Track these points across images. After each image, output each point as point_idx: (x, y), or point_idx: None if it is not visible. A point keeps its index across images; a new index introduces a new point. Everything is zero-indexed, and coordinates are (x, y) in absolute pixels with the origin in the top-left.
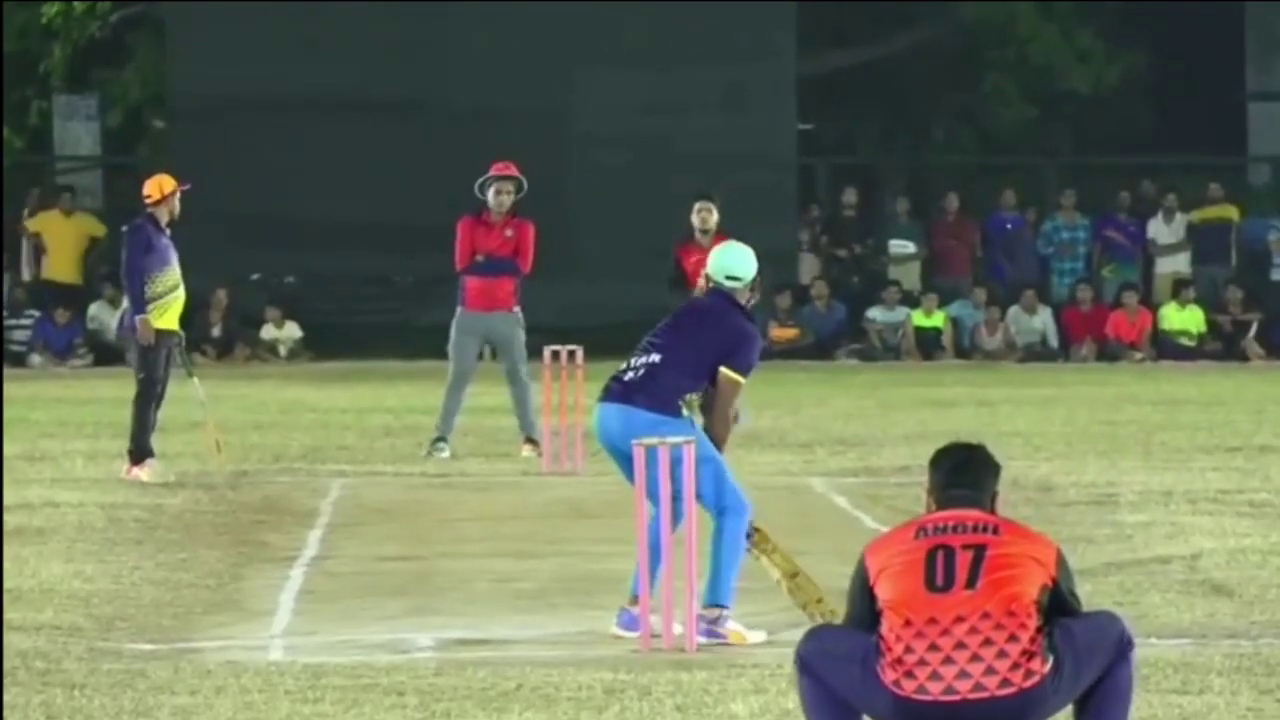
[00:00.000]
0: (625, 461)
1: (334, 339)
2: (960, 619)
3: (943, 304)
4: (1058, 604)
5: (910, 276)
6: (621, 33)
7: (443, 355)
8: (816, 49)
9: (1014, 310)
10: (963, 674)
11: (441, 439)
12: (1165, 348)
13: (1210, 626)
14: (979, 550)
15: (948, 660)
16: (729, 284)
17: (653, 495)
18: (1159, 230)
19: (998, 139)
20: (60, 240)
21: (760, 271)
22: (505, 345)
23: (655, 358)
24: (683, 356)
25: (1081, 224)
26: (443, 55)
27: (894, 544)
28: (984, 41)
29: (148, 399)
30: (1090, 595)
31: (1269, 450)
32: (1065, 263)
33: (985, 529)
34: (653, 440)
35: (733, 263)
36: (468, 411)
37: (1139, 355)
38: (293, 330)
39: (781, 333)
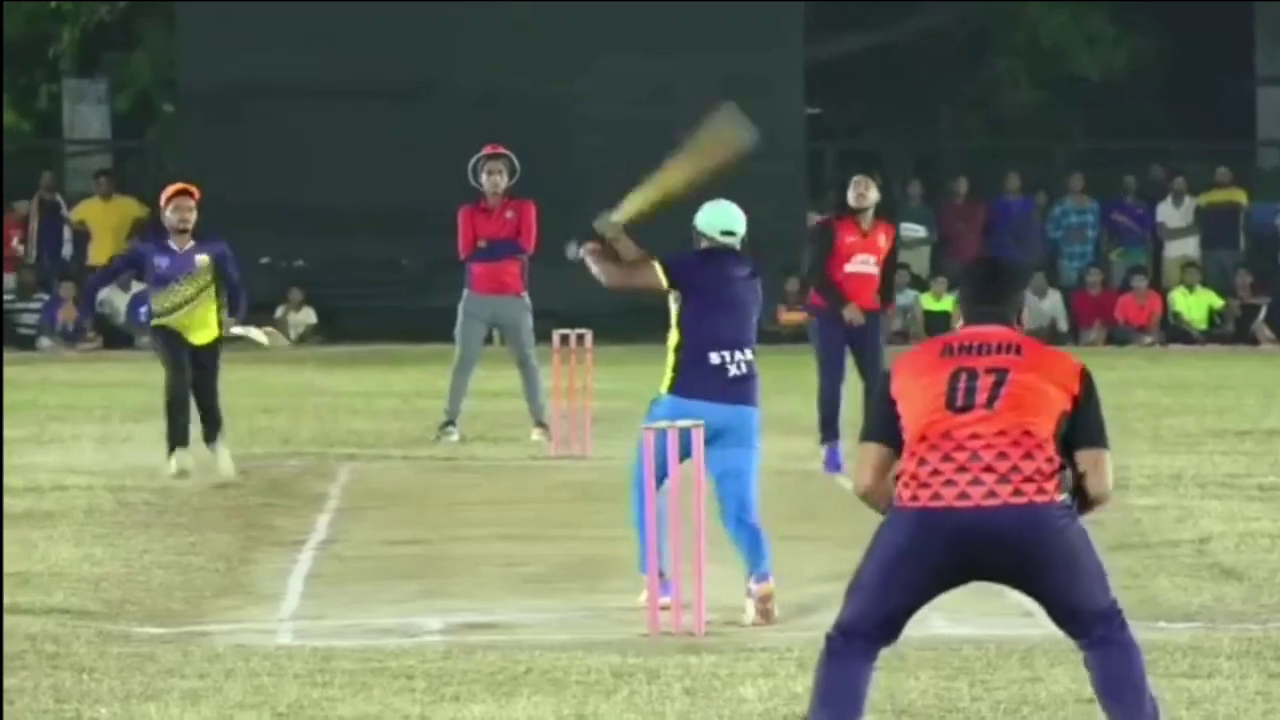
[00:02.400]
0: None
1: (343, 323)
2: (976, 435)
3: (952, 288)
4: (1080, 426)
5: (920, 260)
6: (629, 17)
7: (451, 339)
8: (825, 34)
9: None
10: (976, 481)
11: (450, 423)
12: (1174, 332)
13: (1219, 610)
14: (1001, 374)
15: (962, 469)
16: (725, 239)
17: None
18: (1168, 214)
19: (1007, 123)
20: (104, 226)
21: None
22: (513, 330)
23: (749, 353)
24: (753, 335)
25: (1090, 208)
26: (451, 41)
27: (920, 360)
28: (993, 25)
29: (168, 393)
30: None
31: (1278, 434)
32: (1074, 246)
33: (1009, 349)
34: (663, 424)
35: (726, 219)
36: (476, 395)
37: (1148, 339)
38: (308, 315)
39: (790, 316)
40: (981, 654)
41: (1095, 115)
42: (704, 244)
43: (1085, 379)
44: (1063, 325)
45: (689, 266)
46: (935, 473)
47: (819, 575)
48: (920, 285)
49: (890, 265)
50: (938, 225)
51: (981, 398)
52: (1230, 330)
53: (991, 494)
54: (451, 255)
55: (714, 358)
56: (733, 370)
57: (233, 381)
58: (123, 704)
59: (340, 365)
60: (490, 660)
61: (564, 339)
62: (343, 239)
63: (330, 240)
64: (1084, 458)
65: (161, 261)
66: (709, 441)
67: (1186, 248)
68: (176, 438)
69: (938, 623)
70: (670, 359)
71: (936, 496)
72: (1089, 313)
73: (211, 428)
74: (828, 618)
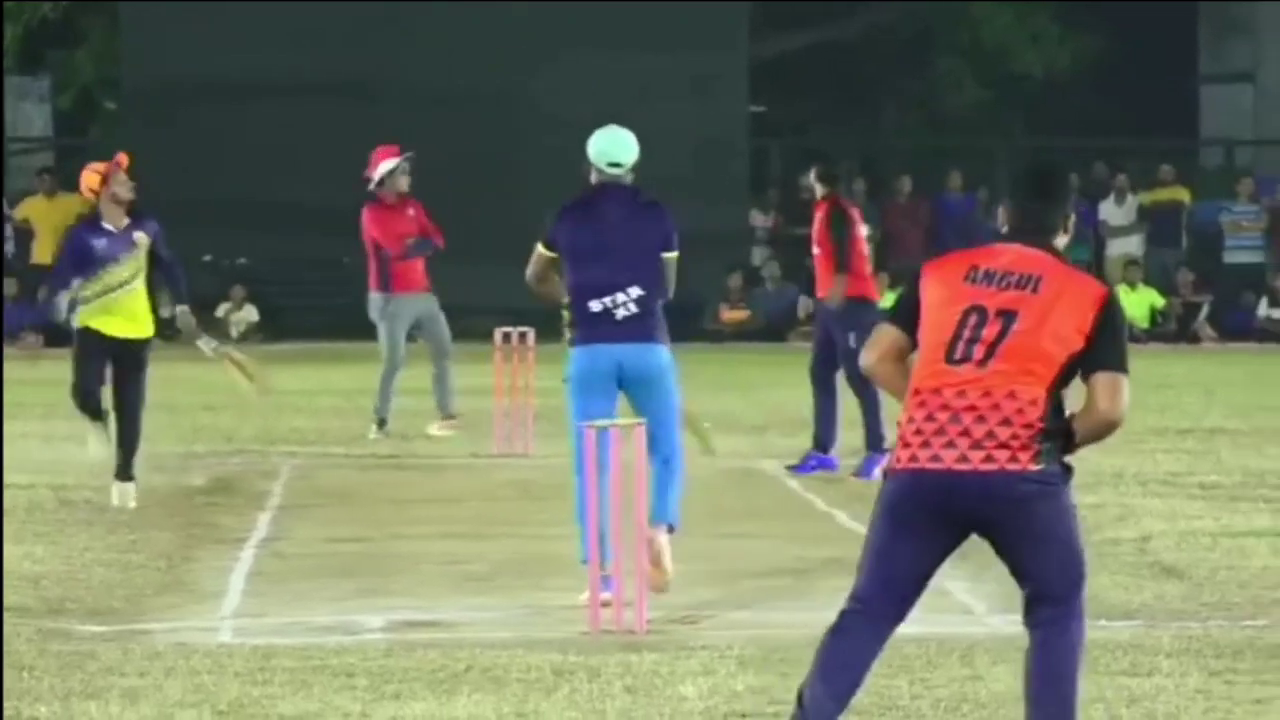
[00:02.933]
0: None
1: (285, 321)
2: (962, 393)
3: (893, 285)
4: (1093, 352)
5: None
6: (576, 17)
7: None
8: (770, 32)
9: None
10: (950, 444)
11: (384, 422)
12: None
13: (1159, 608)
14: (1009, 318)
15: (940, 431)
16: (612, 170)
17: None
18: (1111, 212)
19: (951, 121)
20: (46, 224)
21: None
22: (435, 324)
23: (637, 290)
24: (653, 278)
25: None
26: (397, 38)
27: (947, 276)
28: (937, 24)
29: (75, 399)
30: None
31: (1219, 433)
32: None
33: (1028, 281)
34: (604, 422)
35: (615, 149)
36: (419, 393)
37: None
38: (250, 313)
39: (731, 315)
40: (922, 652)
41: (1039, 113)
42: (593, 175)
43: (1105, 308)
44: None
45: (560, 228)
46: (918, 432)
47: (760, 572)
48: None
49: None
50: (880, 223)
51: (979, 352)
52: (1172, 329)
53: (963, 459)
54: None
55: (594, 305)
56: (620, 313)
57: (175, 379)
58: (63, 702)
59: (282, 363)
60: (431, 658)
61: (505, 336)
62: (285, 237)
63: (273, 238)
64: (1096, 381)
65: (99, 243)
66: (622, 386)
67: (1129, 246)
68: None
69: None
70: (566, 316)
71: (914, 459)
72: None
73: (126, 451)
74: (768, 615)
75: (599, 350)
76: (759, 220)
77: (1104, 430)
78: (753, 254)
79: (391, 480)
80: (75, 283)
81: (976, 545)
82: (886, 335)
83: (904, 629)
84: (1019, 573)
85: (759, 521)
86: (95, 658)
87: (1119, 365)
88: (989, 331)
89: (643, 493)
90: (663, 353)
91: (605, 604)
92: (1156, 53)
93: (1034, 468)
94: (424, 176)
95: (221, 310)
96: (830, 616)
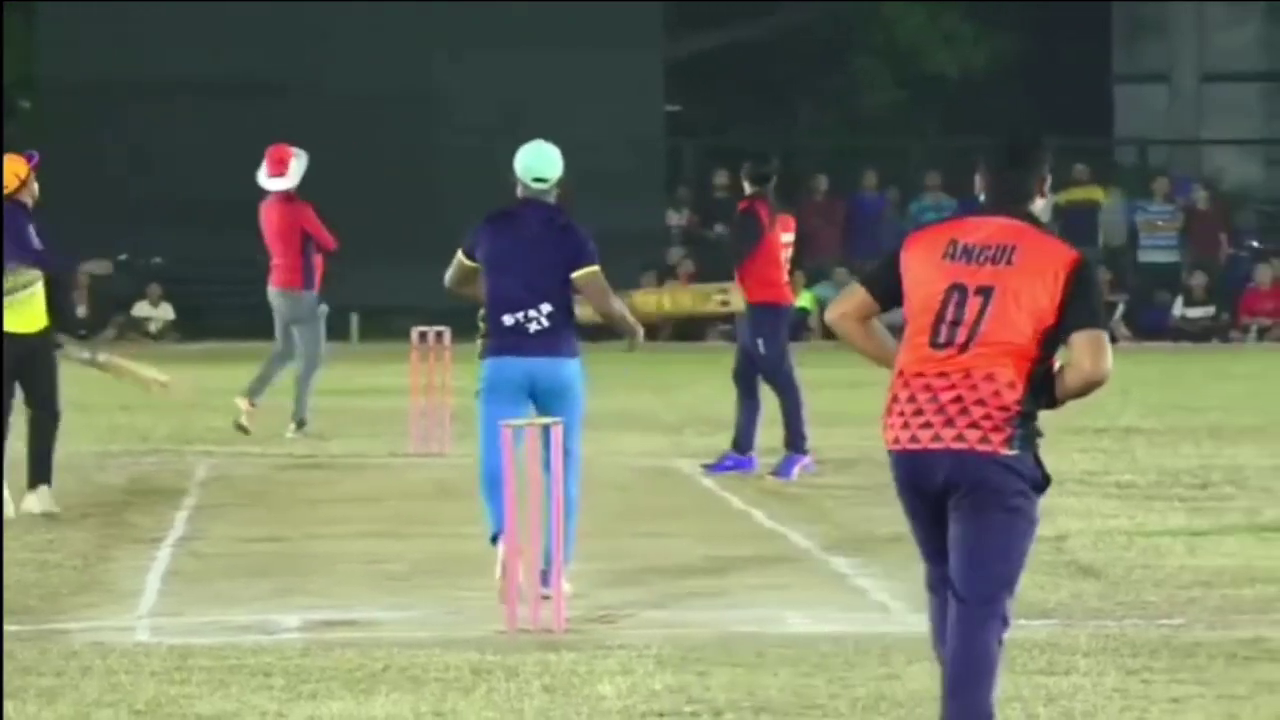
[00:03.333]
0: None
1: (201, 319)
2: (943, 374)
3: (809, 284)
4: (1069, 314)
5: None
6: (491, 15)
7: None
8: (685, 31)
9: None
10: (926, 424)
11: (304, 421)
12: None
13: (1076, 607)
14: (987, 295)
15: (919, 412)
16: (536, 185)
17: (497, 478)
18: None
19: (866, 121)
20: None
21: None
22: (314, 321)
23: (548, 307)
24: (563, 296)
25: (948, 204)
26: (311, 38)
27: (928, 252)
28: (852, 24)
29: None
30: None
31: (1135, 432)
32: None
33: (1004, 254)
34: (520, 421)
35: (540, 165)
36: (338, 393)
37: None
38: (166, 311)
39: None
40: (839, 651)
41: (954, 113)
42: (519, 189)
43: (1074, 271)
44: None
45: (479, 241)
46: (900, 413)
47: (678, 571)
48: None
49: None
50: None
51: (961, 335)
52: None
53: (937, 438)
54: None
55: (508, 319)
56: (533, 327)
57: (91, 378)
58: None
59: (199, 362)
60: (348, 657)
61: (422, 336)
62: (201, 236)
63: (189, 237)
64: (1077, 340)
65: (35, 238)
66: (532, 397)
67: None
68: None
69: (796, 620)
70: (481, 326)
71: (896, 440)
72: None
73: (40, 457)
74: (686, 614)
75: (511, 363)
76: (673, 219)
77: (1089, 388)
78: (668, 253)
79: (308, 480)
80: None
81: (890, 543)
82: (855, 295)
83: (821, 628)
84: (950, 555)
85: (676, 520)
86: (12, 657)
87: (1097, 323)
88: (969, 312)
89: (559, 493)
90: (572, 365)
91: (545, 598)
92: (1070, 53)
93: (1005, 451)
94: (336, 176)
95: (137, 309)
96: (748, 614)
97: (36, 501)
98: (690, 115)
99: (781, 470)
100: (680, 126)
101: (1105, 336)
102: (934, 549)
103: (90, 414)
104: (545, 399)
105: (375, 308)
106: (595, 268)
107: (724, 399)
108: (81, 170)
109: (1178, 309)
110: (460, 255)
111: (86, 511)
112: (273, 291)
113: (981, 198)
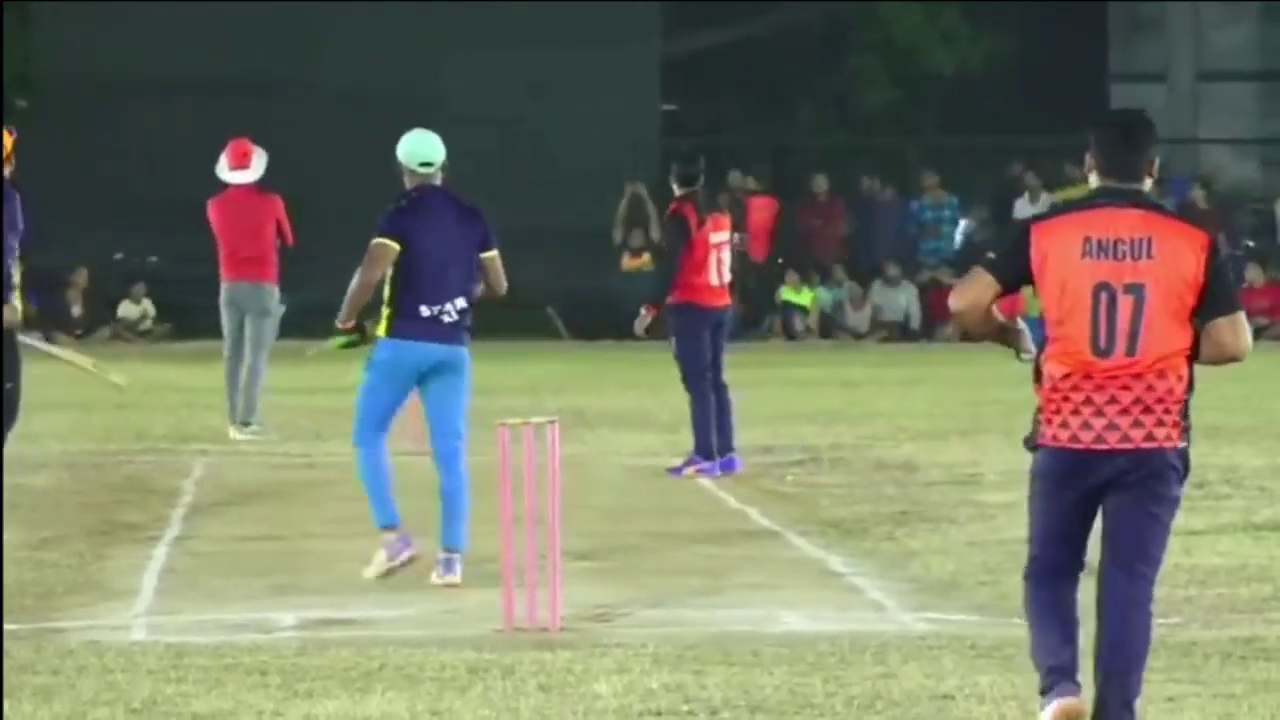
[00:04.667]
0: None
1: (197, 319)
2: (1114, 376)
3: (806, 282)
4: (1210, 299)
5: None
6: (488, 14)
7: (304, 335)
8: (682, 30)
9: (877, 285)
10: (1111, 425)
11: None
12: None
13: None
14: (1139, 295)
15: (1099, 413)
16: (424, 170)
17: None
18: (1024, 210)
19: (863, 120)
20: None
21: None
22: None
23: (463, 302)
24: (472, 284)
25: (948, 203)
26: (309, 37)
27: (1063, 246)
28: (848, 23)
29: None
30: (953, 574)
31: None
32: (930, 242)
33: (1142, 247)
34: (516, 421)
35: (425, 149)
36: (333, 391)
37: None
38: (148, 307)
39: (632, 262)
40: (835, 650)
41: (951, 112)
42: (405, 178)
43: (1210, 253)
44: (915, 322)
45: (403, 223)
46: (1075, 413)
47: (673, 570)
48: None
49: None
50: (797, 220)
51: (1122, 343)
52: None
53: (1125, 439)
54: (307, 250)
55: (425, 310)
56: (446, 319)
57: (85, 377)
58: None
59: (194, 361)
60: (344, 656)
61: None
62: (196, 235)
63: (184, 236)
64: (1219, 325)
65: (21, 226)
66: (426, 376)
67: None
68: None
69: (791, 619)
70: (386, 310)
71: (1075, 439)
72: (944, 309)
73: None
74: (682, 613)
75: (418, 348)
76: None
77: (1228, 362)
78: None
79: (304, 478)
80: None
81: (885, 542)
82: (980, 281)
83: (816, 627)
84: (1111, 538)
85: (671, 520)
86: (8, 656)
87: (1235, 305)
88: (1123, 314)
89: (556, 494)
90: (467, 354)
91: (411, 560)
92: (1068, 52)
93: (1179, 444)
94: (330, 174)
95: (124, 309)
96: (743, 613)
97: None
98: (687, 114)
99: (675, 468)
100: (676, 125)
101: (1243, 314)
102: (1065, 538)
103: (86, 412)
104: (437, 383)
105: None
106: (497, 250)
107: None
108: (77, 169)
109: None
110: (386, 241)
111: (82, 510)
112: (242, 285)
113: (1092, 180)
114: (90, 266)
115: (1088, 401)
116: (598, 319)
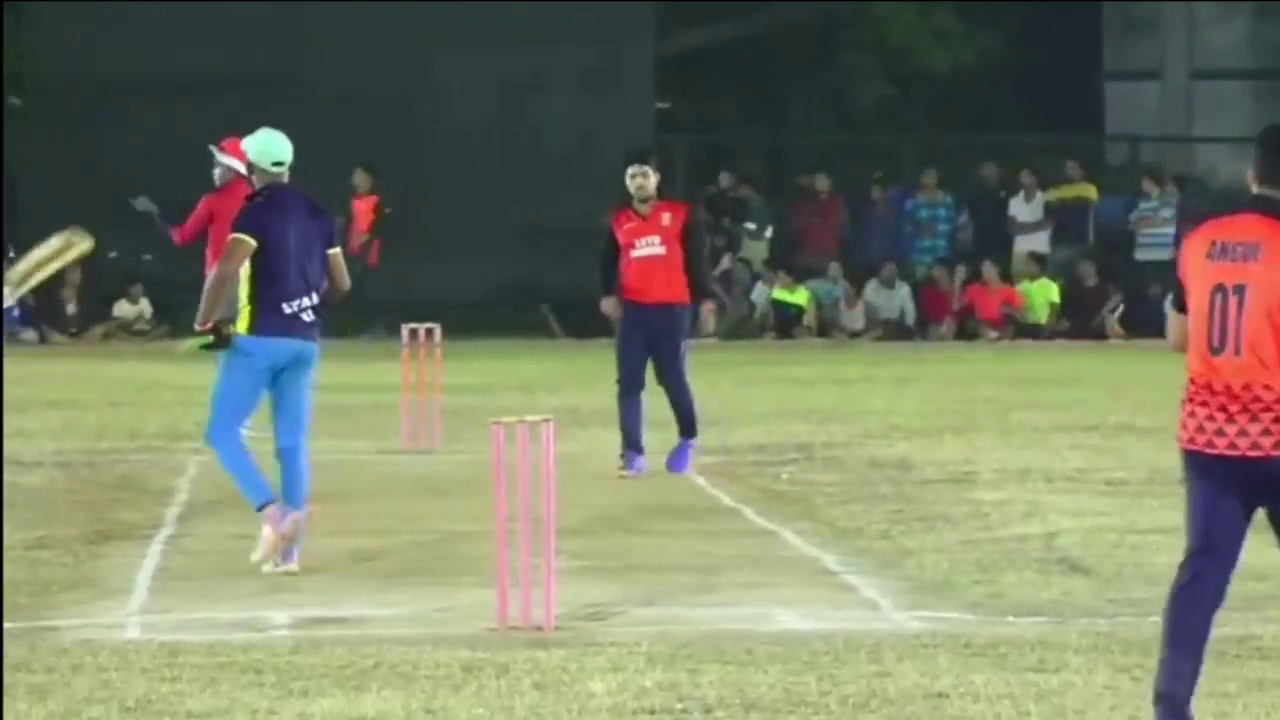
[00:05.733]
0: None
1: (191, 318)
2: (1231, 381)
3: (800, 281)
4: None
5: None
6: (484, 13)
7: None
8: (675, 28)
9: (872, 284)
10: (1242, 433)
11: None
12: (1022, 327)
13: (1067, 605)
14: (1240, 298)
15: (1231, 419)
16: (275, 169)
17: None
18: (1018, 209)
19: (856, 118)
20: None
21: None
22: None
23: (316, 297)
24: (323, 281)
25: (943, 202)
26: (304, 36)
27: (1197, 253)
28: (841, 21)
29: None
30: (947, 573)
31: (1125, 429)
32: (925, 241)
33: (1251, 253)
34: (511, 420)
35: (277, 149)
36: (327, 390)
37: (994, 334)
38: (145, 307)
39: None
40: (829, 648)
41: (945, 110)
42: (255, 176)
43: None
44: (910, 319)
45: (258, 219)
46: (1210, 418)
47: (668, 568)
48: (766, 280)
49: (692, 254)
50: (796, 219)
51: (1231, 340)
52: (1065, 327)
53: (1255, 446)
54: None
55: (286, 308)
56: (305, 316)
57: (79, 375)
58: None
59: (188, 359)
60: (339, 655)
61: (413, 333)
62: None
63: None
64: None
65: None
66: (280, 370)
67: (1035, 243)
68: None
69: (786, 617)
70: (246, 308)
71: (1210, 445)
72: (939, 308)
73: None
74: (676, 611)
75: (279, 343)
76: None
77: None
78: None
79: None
80: None
81: (879, 540)
82: (1172, 321)
83: (810, 625)
84: None
85: (666, 518)
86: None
87: None
88: (1231, 314)
89: (551, 493)
90: (318, 349)
91: (297, 522)
92: (1062, 50)
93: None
94: (328, 173)
95: (119, 309)
96: (738, 611)
97: None
98: (681, 112)
99: (631, 464)
100: (671, 123)
101: None
102: (1217, 533)
103: (80, 411)
104: (289, 378)
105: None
106: (340, 248)
107: (713, 396)
108: (73, 167)
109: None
110: (244, 237)
111: (76, 508)
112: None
113: (1253, 188)
114: (84, 265)
115: (1222, 409)
116: (592, 317)
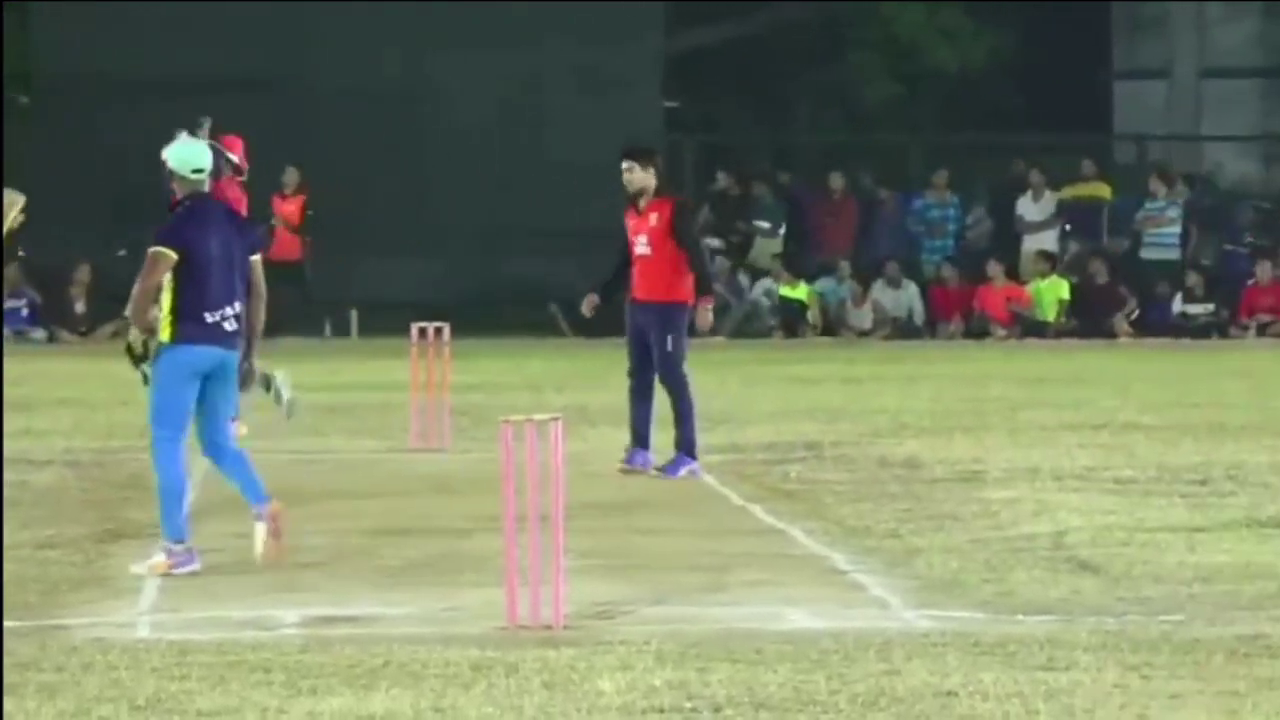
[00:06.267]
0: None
1: None
2: None
3: (810, 280)
4: None
5: (767, 254)
6: (488, 12)
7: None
8: (683, 27)
9: (879, 283)
10: None
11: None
12: (1030, 326)
13: (1076, 603)
14: None
15: None
16: (195, 177)
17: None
18: (1027, 208)
19: (864, 117)
20: None
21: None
22: None
23: (239, 305)
24: (244, 288)
25: (952, 202)
26: (304, 35)
27: None
28: (849, 19)
29: None
30: (956, 572)
31: (1133, 427)
32: (934, 240)
33: None
34: (520, 418)
35: (196, 157)
36: (336, 389)
37: (1002, 332)
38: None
39: None
40: (839, 647)
41: (952, 109)
42: (176, 185)
43: None
44: (919, 318)
45: (181, 232)
46: None
47: (677, 566)
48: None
49: (686, 248)
50: (800, 218)
51: None
52: (1072, 325)
53: None
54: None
55: (209, 317)
56: (228, 325)
57: (89, 375)
58: None
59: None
60: (348, 653)
61: (421, 332)
62: None
63: None
64: None
65: None
66: (206, 377)
67: (1044, 241)
68: None
69: (795, 616)
70: (168, 317)
71: None
72: (948, 307)
73: None
74: (685, 610)
75: (202, 351)
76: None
77: None
78: None
79: (306, 476)
80: None
81: (888, 539)
82: None
83: (820, 624)
84: None
85: (675, 516)
86: (11, 653)
87: None
88: None
89: (560, 492)
90: (239, 357)
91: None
92: (1070, 49)
93: None
94: (333, 173)
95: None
96: (747, 610)
97: None
98: (688, 111)
99: (633, 458)
100: (678, 122)
101: None
102: None
103: (90, 410)
104: (213, 385)
105: (376, 303)
106: (260, 255)
107: (721, 395)
108: (79, 166)
109: (1177, 305)
110: (165, 250)
111: (86, 507)
112: None
113: None
114: (93, 263)
115: None
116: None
